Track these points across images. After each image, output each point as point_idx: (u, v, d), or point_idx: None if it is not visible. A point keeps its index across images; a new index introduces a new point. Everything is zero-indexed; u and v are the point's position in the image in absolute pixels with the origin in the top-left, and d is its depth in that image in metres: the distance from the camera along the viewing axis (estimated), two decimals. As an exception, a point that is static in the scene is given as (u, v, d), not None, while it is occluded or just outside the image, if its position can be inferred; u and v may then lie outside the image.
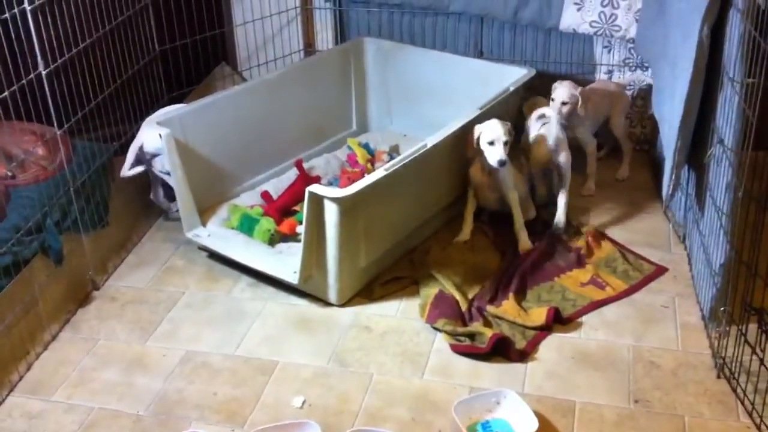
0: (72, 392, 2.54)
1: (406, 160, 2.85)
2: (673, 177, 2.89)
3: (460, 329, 2.70)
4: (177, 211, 3.18)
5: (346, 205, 2.67)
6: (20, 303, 2.62)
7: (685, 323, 2.76)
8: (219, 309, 2.91)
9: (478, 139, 3.05)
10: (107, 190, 3.19)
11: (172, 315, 2.88)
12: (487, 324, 2.75)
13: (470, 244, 3.20)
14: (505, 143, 3.02)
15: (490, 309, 2.80)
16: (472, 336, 2.67)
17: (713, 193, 2.63)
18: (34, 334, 2.70)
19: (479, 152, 3.09)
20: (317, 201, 2.67)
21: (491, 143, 3.03)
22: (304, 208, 2.70)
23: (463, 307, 2.82)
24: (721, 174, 2.53)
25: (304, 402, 2.47)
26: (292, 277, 2.84)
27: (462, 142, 3.13)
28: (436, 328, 2.75)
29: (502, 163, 3.02)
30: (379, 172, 2.78)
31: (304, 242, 2.74)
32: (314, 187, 2.67)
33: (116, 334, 2.79)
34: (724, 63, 2.54)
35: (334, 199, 2.65)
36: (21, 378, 2.59)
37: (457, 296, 2.85)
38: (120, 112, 3.37)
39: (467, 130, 3.11)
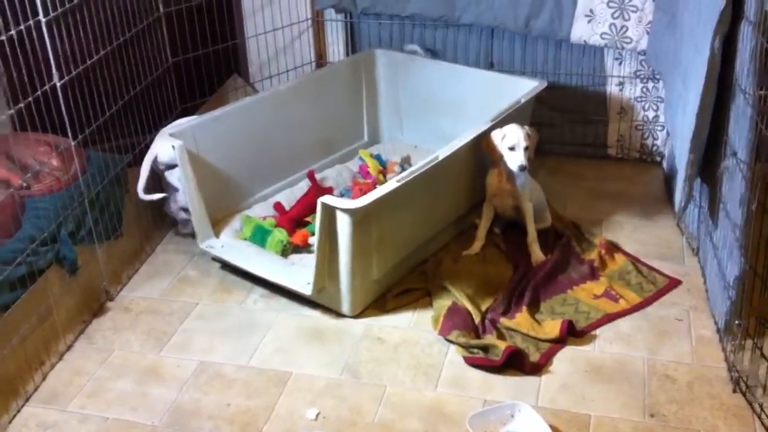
0: (86, 402, 2.54)
1: (418, 172, 2.86)
2: (686, 189, 2.88)
3: (474, 341, 2.70)
4: (187, 225, 3.18)
5: (358, 216, 2.68)
6: (35, 313, 2.63)
7: (700, 336, 2.75)
8: (232, 320, 2.91)
9: (499, 143, 3.06)
10: (121, 200, 3.20)
11: (186, 326, 2.89)
12: (501, 336, 2.74)
13: (482, 256, 3.20)
14: (526, 148, 3.03)
15: (504, 321, 2.80)
16: (485, 348, 2.67)
17: (726, 205, 2.63)
18: (48, 344, 2.71)
19: (500, 158, 3.09)
20: (330, 212, 2.68)
21: (512, 148, 3.04)
22: (317, 219, 2.70)
23: (477, 319, 2.82)
24: (734, 187, 2.53)
25: (318, 414, 2.47)
26: (306, 289, 2.85)
27: (474, 154, 3.14)
28: (449, 340, 2.74)
29: (522, 168, 3.03)
30: (392, 184, 2.78)
31: (317, 253, 2.75)
32: (327, 199, 2.68)
33: (130, 344, 2.80)
34: (736, 75, 2.55)
35: (346, 211, 2.66)
36: (36, 388, 2.60)
37: (470, 308, 2.85)
38: (133, 123, 3.38)
39: (479, 141, 3.11)
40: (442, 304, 2.88)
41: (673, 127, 3.14)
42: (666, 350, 2.69)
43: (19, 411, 2.51)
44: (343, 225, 2.69)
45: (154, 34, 3.58)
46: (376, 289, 2.97)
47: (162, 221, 3.47)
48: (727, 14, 2.55)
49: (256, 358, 2.71)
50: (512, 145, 3.04)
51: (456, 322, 2.77)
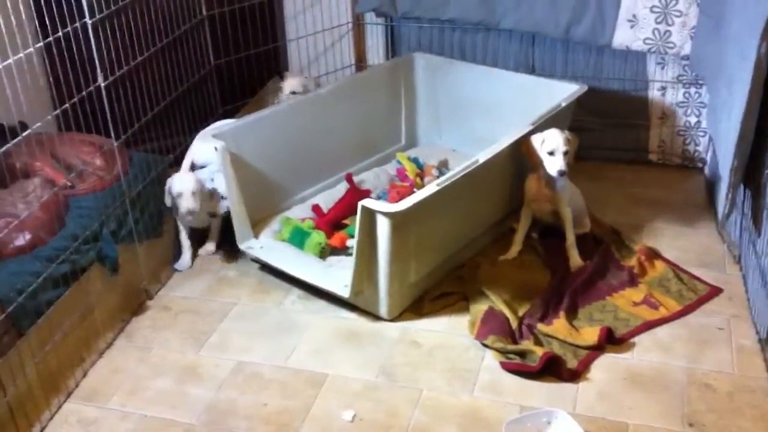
0: (126, 400, 2.58)
1: (458, 176, 2.85)
2: (729, 197, 2.84)
3: (510, 347, 2.68)
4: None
5: (398, 219, 2.68)
6: (77, 311, 2.67)
7: (741, 346, 2.71)
8: (270, 320, 2.93)
9: (539, 148, 3.05)
10: (162, 200, 3.24)
11: (224, 325, 2.91)
12: (538, 342, 2.73)
13: (520, 261, 3.19)
14: (565, 153, 3.01)
15: (541, 327, 2.78)
16: (522, 354, 2.66)
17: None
18: (89, 342, 2.75)
19: (539, 162, 3.08)
20: (370, 215, 2.69)
21: (551, 153, 3.02)
22: (357, 222, 2.70)
23: (513, 324, 2.81)
24: None
25: (354, 416, 2.47)
26: (343, 291, 2.85)
27: (513, 158, 3.13)
28: (485, 345, 2.73)
29: (562, 173, 3.02)
30: (431, 188, 2.77)
31: (356, 256, 2.75)
32: (367, 202, 2.68)
33: (169, 343, 2.83)
34: None
35: (386, 214, 2.66)
36: (77, 385, 2.64)
37: (507, 313, 2.84)
38: (175, 124, 3.43)
39: (519, 145, 3.10)
40: (479, 308, 2.87)
41: (717, 133, 3.09)
42: (706, 359, 2.66)
43: (60, 407, 2.55)
44: (383, 228, 2.69)
45: (197, 36, 3.62)
46: (414, 293, 2.97)
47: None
48: None
49: (293, 359, 2.73)
50: (551, 149, 3.02)
51: (492, 327, 2.76)
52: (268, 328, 2.89)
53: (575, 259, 3.12)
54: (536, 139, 3.07)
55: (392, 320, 2.89)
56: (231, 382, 2.63)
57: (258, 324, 2.92)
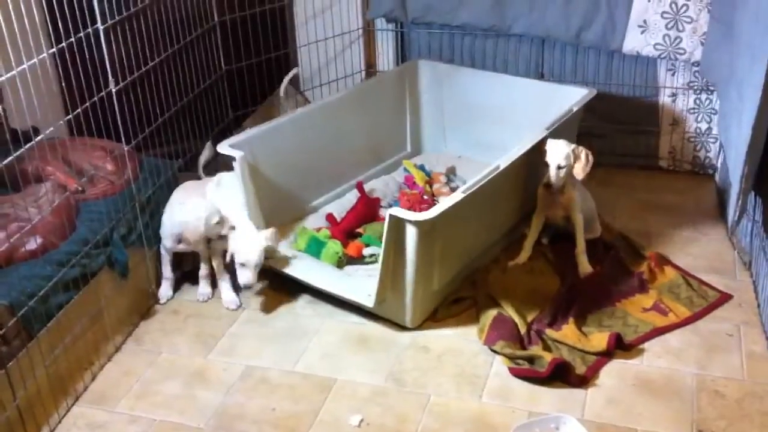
0: (135, 404, 2.59)
1: (483, 182, 2.84)
2: (740, 203, 2.83)
3: (519, 352, 2.68)
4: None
5: (426, 228, 2.67)
6: (87, 314, 2.68)
7: (751, 352, 2.69)
8: (279, 325, 2.94)
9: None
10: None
11: (233, 330, 2.92)
12: (547, 348, 2.72)
13: (530, 266, 3.18)
14: (560, 167, 3.00)
15: (550, 333, 2.78)
16: (531, 359, 2.65)
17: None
18: (98, 346, 2.76)
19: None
20: (398, 224, 2.67)
21: (546, 164, 3.03)
22: (384, 230, 2.69)
23: (522, 330, 2.80)
24: None
25: (361, 421, 2.47)
26: (367, 300, 2.84)
27: (527, 163, 3.13)
28: (494, 351, 2.73)
29: (548, 186, 3.04)
30: (457, 195, 2.77)
31: (382, 265, 2.74)
32: (395, 211, 2.67)
33: (178, 347, 2.84)
34: None
35: (415, 223, 2.64)
36: (86, 388, 2.65)
37: (516, 319, 2.83)
38: (186, 129, 3.44)
39: (536, 151, 3.09)
40: (488, 314, 2.87)
41: (728, 139, 3.08)
42: (716, 366, 2.64)
43: (68, 410, 2.56)
44: (411, 237, 2.68)
45: (208, 42, 3.64)
46: (435, 301, 2.96)
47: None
48: None
49: (302, 364, 2.73)
50: (547, 161, 3.03)
51: (502, 333, 2.75)
52: (277, 333, 2.89)
53: (584, 266, 3.11)
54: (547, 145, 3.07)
55: (403, 326, 2.88)
56: (239, 387, 2.64)
57: (267, 328, 2.92)
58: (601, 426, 2.41)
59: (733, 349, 2.71)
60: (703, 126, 3.80)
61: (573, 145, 3.05)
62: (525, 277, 3.12)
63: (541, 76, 3.96)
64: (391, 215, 2.65)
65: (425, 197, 3.52)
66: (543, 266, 3.19)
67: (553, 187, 3.04)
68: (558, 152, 3.01)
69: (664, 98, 3.82)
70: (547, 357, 2.61)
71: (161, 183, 3.16)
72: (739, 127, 2.79)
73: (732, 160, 2.95)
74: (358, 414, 2.50)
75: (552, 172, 3.02)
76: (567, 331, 2.77)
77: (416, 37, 4.15)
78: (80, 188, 2.91)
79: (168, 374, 2.71)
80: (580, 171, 3.04)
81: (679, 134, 3.85)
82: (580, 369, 2.62)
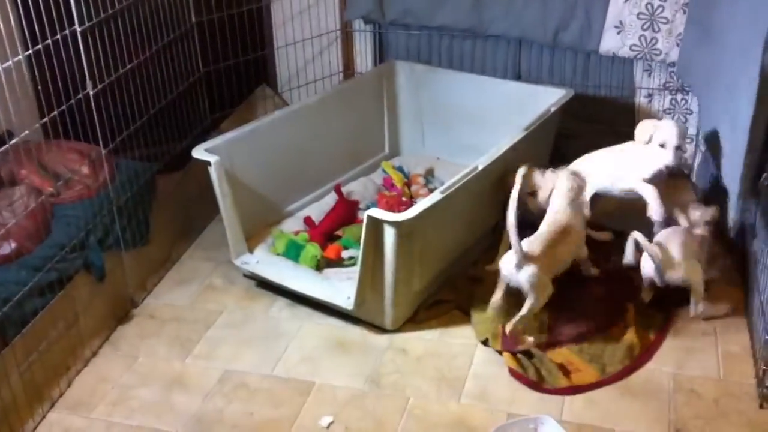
0: (112, 410, 2.57)
1: (461, 183, 2.85)
2: (739, 205, 2.81)
3: (535, 359, 2.67)
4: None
5: (405, 228, 2.66)
6: (63, 319, 2.66)
7: (728, 352, 2.72)
8: (257, 328, 2.92)
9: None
10: (149, 208, 3.23)
11: (211, 334, 2.90)
12: (561, 366, 2.67)
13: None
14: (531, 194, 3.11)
15: (549, 354, 2.73)
16: (538, 369, 2.64)
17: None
18: (75, 351, 2.74)
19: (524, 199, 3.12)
20: (376, 225, 2.66)
21: (532, 194, 3.13)
22: (363, 232, 2.68)
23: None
24: None
25: (331, 423, 2.47)
26: (346, 303, 2.84)
27: (507, 164, 3.13)
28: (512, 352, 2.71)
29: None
30: (436, 196, 2.77)
31: (361, 267, 2.73)
32: (373, 212, 2.66)
33: (155, 351, 2.82)
34: None
35: (393, 223, 2.64)
36: (62, 394, 2.63)
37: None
38: (164, 132, 3.42)
39: (514, 150, 3.13)
40: (492, 324, 2.81)
41: (717, 141, 3.07)
42: (693, 365, 2.66)
43: (44, 417, 2.54)
44: (389, 238, 2.68)
45: (186, 44, 3.62)
46: (415, 302, 2.96)
47: (189, 229, 3.50)
48: None
49: (281, 368, 2.72)
50: (532, 191, 3.10)
51: (513, 341, 2.73)
52: (255, 337, 2.88)
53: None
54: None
55: (383, 328, 2.88)
56: (218, 391, 2.62)
57: (245, 332, 2.91)
58: (580, 427, 2.42)
59: (709, 349, 2.74)
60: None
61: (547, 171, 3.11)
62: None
63: (518, 77, 3.96)
64: (368, 216, 2.65)
65: (404, 199, 3.52)
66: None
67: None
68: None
69: (641, 99, 3.84)
70: (563, 381, 2.59)
71: (139, 186, 3.14)
72: (734, 131, 2.78)
73: (727, 163, 2.94)
74: (330, 416, 2.49)
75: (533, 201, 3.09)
76: (561, 354, 2.73)
77: (394, 39, 4.15)
78: (55, 191, 2.88)
79: (145, 379, 2.69)
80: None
81: (655, 135, 3.87)
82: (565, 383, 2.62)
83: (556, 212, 2.90)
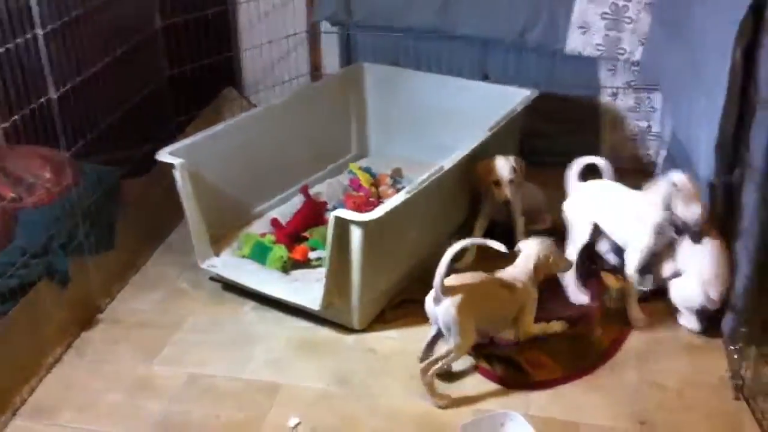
0: (77, 416, 2.53)
1: (427, 182, 2.86)
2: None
3: (500, 354, 2.68)
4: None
5: (371, 228, 2.66)
6: (25, 325, 2.62)
7: (691, 345, 2.75)
8: (224, 332, 2.91)
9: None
10: (114, 213, 3.20)
11: (177, 338, 2.88)
12: (530, 361, 2.67)
13: (491, 264, 3.16)
14: (511, 181, 3.13)
15: (515, 350, 2.73)
16: (508, 363, 2.65)
17: (740, 214, 2.62)
18: (38, 357, 2.70)
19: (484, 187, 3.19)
20: (343, 226, 2.66)
21: (496, 183, 3.15)
22: (329, 233, 2.68)
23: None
24: (748, 195, 2.51)
25: (298, 424, 2.46)
26: (314, 304, 2.83)
27: (473, 164, 3.18)
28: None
29: (507, 203, 3.16)
30: (402, 195, 2.78)
31: (328, 268, 2.73)
32: (340, 212, 2.66)
33: (121, 357, 2.79)
34: (756, 84, 2.54)
35: (360, 223, 2.64)
36: (24, 401, 2.58)
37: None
38: (129, 136, 3.40)
39: (476, 161, 3.16)
40: None
41: (689, 138, 3.10)
42: (657, 358, 2.69)
43: (7, 424, 2.49)
44: (356, 238, 2.68)
45: (151, 47, 3.60)
46: (383, 302, 2.96)
47: (154, 233, 3.47)
48: (748, 25, 2.55)
49: (248, 370, 2.70)
50: (497, 180, 3.12)
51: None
52: (222, 340, 2.86)
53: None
54: (487, 166, 3.15)
55: (351, 328, 2.87)
56: (184, 395, 2.60)
57: (212, 336, 2.89)
58: (546, 421, 2.43)
59: (673, 342, 2.76)
60: (644, 125, 3.86)
61: (511, 158, 3.14)
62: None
63: (485, 78, 3.98)
64: (335, 217, 2.65)
65: (371, 199, 3.52)
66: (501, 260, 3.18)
67: (511, 201, 3.12)
68: (506, 167, 3.11)
69: (605, 98, 3.88)
70: (530, 376, 2.60)
71: (104, 190, 3.11)
72: (706, 124, 2.82)
73: (701, 158, 2.96)
74: (296, 417, 2.48)
75: (506, 189, 3.11)
76: (528, 351, 2.72)
77: (362, 40, 4.15)
78: (16, 197, 2.85)
79: (110, 384, 2.66)
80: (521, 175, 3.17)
81: (619, 133, 3.91)
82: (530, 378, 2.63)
83: (514, 266, 2.73)
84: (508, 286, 2.65)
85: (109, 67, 3.22)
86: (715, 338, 2.75)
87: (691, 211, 2.64)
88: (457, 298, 2.48)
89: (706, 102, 2.85)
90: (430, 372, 2.52)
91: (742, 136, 2.66)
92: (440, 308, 2.49)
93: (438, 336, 2.61)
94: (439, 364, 2.53)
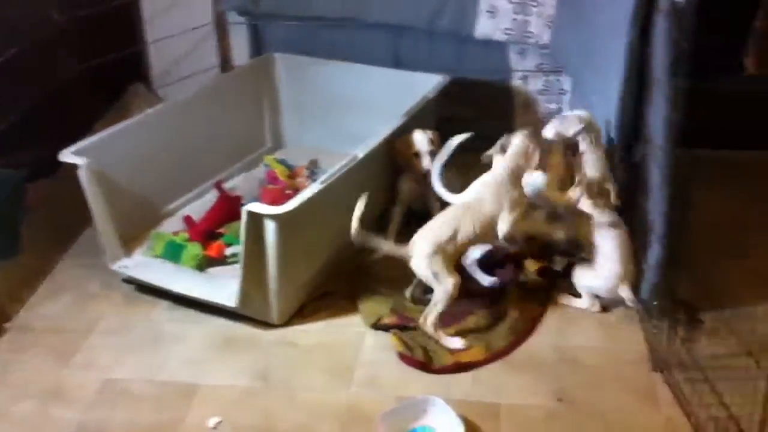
0: (-16, 428, 2.44)
1: (340, 172, 2.84)
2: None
3: (419, 340, 2.68)
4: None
5: (285, 221, 2.63)
6: (-75, 339, 2.51)
7: (606, 321, 2.80)
8: (138, 334, 2.83)
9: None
10: (19, 217, 3.08)
11: (90, 342, 2.79)
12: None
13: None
14: (431, 152, 3.11)
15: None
16: (426, 350, 2.65)
17: (646, 191, 2.68)
18: (-59, 371, 2.59)
19: (406, 162, 3.16)
20: (256, 220, 2.61)
21: (416, 154, 3.14)
22: (242, 228, 2.63)
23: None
24: (652, 173, 2.57)
25: (218, 422, 2.42)
26: (230, 301, 2.78)
27: (389, 151, 3.17)
28: (380, 328, 2.76)
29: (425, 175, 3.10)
30: (315, 186, 2.75)
31: (243, 263, 2.68)
32: (252, 206, 2.61)
33: (30, 364, 2.69)
34: (651, 63, 2.59)
35: (273, 217, 2.60)
36: (-72, 418, 2.48)
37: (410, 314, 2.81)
38: (31, 136, 3.27)
39: (394, 138, 3.15)
40: (380, 308, 2.84)
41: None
42: (574, 335, 2.74)
43: None
44: (270, 231, 2.63)
45: (52, 43, 3.47)
46: (302, 295, 2.92)
47: (62, 237, 3.35)
48: (642, 7, 2.61)
49: (164, 372, 2.64)
50: (417, 151, 3.13)
51: (403, 320, 2.77)
52: (136, 342, 2.79)
53: None
54: (404, 142, 3.14)
55: (270, 323, 2.83)
56: (99, 401, 2.52)
57: (126, 338, 2.81)
58: (468, 404, 2.44)
59: (589, 319, 2.81)
60: (554, 107, 3.91)
61: (428, 131, 3.14)
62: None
63: (397, 65, 3.98)
64: (248, 211, 2.60)
65: (288, 192, 3.47)
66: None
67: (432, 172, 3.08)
68: (424, 139, 3.12)
69: (516, 81, 3.92)
70: (448, 359, 2.62)
71: (7, 194, 2.99)
72: (606, 103, 2.87)
73: (604, 134, 3.01)
74: (217, 416, 2.44)
75: (426, 159, 3.10)
76: (447, 334, 2.72)
77: (271, 30, 4.09)
78: None
79: (20, 394, 2.56)
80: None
81: (531, 115, 3.94)
82: (449, 360, 2.64)
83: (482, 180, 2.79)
84: (470, 206, 2.71)
85: (8, 65, 3.09)
86: (629, 314, 2.80)
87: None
88: (420, 250, 2.64)
89: (605, 82, 2.92)
90: (429, 321, 2.66)
91: (642, 114, 2.72)
92: (413, 266, 2.66)
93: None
94: (435, 312, 2.65)
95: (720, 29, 3.37)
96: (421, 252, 2.65)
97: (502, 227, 2.69)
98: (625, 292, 2.73)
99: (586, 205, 2.79)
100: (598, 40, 3.02)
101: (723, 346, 2.36)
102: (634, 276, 2.73)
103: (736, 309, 2.72)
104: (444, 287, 2.63)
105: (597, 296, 2.82)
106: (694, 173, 2.50)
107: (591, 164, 2.83)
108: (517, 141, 2.79)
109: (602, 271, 2.77)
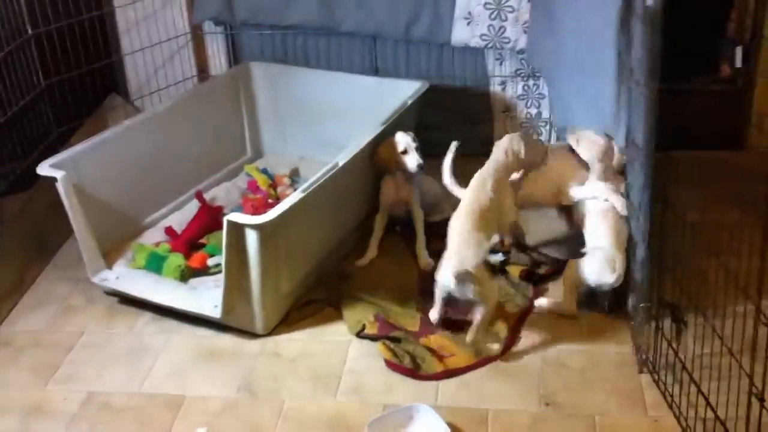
0: (-35, 447, 2.40)
1: (321, 180, 2.83)
2: None
3: (407, 347, 2.68)
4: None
5: (267, 231, 2.61)
6: None
7: (593, 325, 2.80)
8: (121, 346, 2.81)
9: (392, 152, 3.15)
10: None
11: (72, 356, 2.76)
12: (433, 351, 2.69)
13: (395, 259, 3.20)
14: (417, 148, 3.14)
15: (422, 341, 2.74)
16: (414, 358, 2.64)
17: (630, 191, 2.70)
18: None
19: (395, 165, 3.16)
20: (237, 230, 2.60)
21: (405, 152, 3.14)
22: (224, 238, 2.61)
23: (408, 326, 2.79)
24: (635, 174, 2.59)
25: None
26: (214, 312, 2.76)
27: (370, 158, 3.18)
28: (367, 337, 2.74)
29: (421, 167, 3.13)
30: (297, 195, 2.74)
31: (225, 274, 2.67)
32: (233, 216, 2.60)
33: (12, 380, 2.66)
34: (631, 66, 2.61)
35: (255, 226, 2.59)
36: None
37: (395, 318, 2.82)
38: (6, 150, 3.23)
39: (375, 145, 3.16)
40: (363, 315, 2.83)
41: (570, 122, 3.18)
42: (559, 339, 2.74)
43: None
44: (252, 241, 2.62)
45: (24, 56, 3.43)
46: (286, 304, 2.91)
47: (42, 250, 3.32)
48: (623, 13, 2.65)
49: (148, 384, 2.62)
50: (404, 148, 3.11)
51: (388, 328, 2.75)
52: (119, 355, 2.76)
53: (424, 261, 3.14)
54: (388, 145, 3.15)
55: (255, 333, 2.81)
56: (82, 415, 2.50)
57: (109, 351, 2.78)
58: (455, 410, 2.44)
59: (575, 322, 2.81)
60: (533, 111, 3.94)
61: (409, 132, 3.17)
62: (390, 270, 3.12)
63: (375, 72, 3.99)
64: (228, 221, 2.59)
65: (270, 201, 3.47)
66: (404, 254, 3.22)
67: (415, 172, 3.14)
68: (408, 139, 3.14)
69: (495, 87, 3.93)
70: (436, 366, 2.61)
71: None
72: (595, 106, 2.88)
73: None
74: (203, 428, 2.42)
75: (415, 155, 3.12)
76: (435, 340, 2.75)
77: (248, 40, 4.08)
78: None
79: (2, 410, 2.53)
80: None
81: (511, 121, 3.97)
82: (438, 367, 2.63)
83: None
84: (475, 211, 2.74)
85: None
86: (615, 317, 2.81)
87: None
88: (448, 268, 2.58)
89: (587, 86, 2.94)
90: (478, 339, 2.64)
91: (624, 117, 2.75)
92: (452, 286, 2.59)
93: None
94: (480, 327, 2.63)
95: (697, 32, 3.43)
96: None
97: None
98: (608, 277, 2.75)
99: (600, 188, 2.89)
100: (571, 43, 3.04)
101: (707, 347, 2.37)
102: (623, 265, 2.75)
103: (715, 309, 2.74)
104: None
105: (580, 290, 2.84)
106: (670, 174, 2.52)
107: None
108: (500, 142, 3.00)
109: (594, 254, 2.80)
